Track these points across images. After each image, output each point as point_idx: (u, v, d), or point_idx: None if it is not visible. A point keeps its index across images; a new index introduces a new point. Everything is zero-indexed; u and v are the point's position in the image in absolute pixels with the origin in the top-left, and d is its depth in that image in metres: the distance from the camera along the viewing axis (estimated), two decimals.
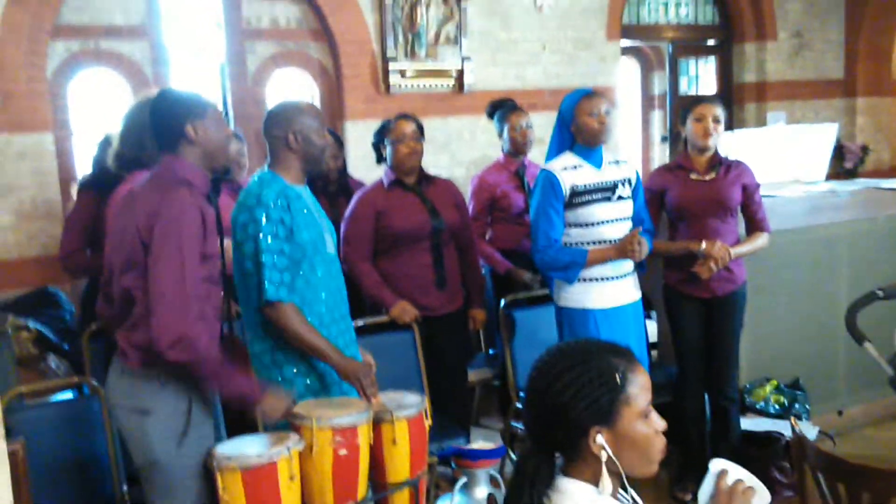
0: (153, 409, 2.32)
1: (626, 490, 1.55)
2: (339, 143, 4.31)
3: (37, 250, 4.86)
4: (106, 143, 3.80)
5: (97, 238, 3.71)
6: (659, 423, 1.51)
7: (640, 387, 1.49)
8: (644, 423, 1.49)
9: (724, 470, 1.50)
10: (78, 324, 4.13)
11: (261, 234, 2.52)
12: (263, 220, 2.53)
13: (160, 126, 2.42)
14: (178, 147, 2.40)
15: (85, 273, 3.95)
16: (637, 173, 3.44)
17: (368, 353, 2.91)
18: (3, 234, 4.81)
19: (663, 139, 8.93)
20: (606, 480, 1.47)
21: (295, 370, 2.64)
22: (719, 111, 3.52)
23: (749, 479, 1.50)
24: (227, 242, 3.31)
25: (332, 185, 4.21)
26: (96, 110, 5.30)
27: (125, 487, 2.90)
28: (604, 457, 1.46)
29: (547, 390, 1.49)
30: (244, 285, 2.62)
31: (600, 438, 1.46)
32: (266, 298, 2.52)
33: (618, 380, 1.47)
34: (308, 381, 2.66)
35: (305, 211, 2.65)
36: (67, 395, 3.65)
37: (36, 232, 4.84)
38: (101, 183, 3.51)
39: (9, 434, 2.70)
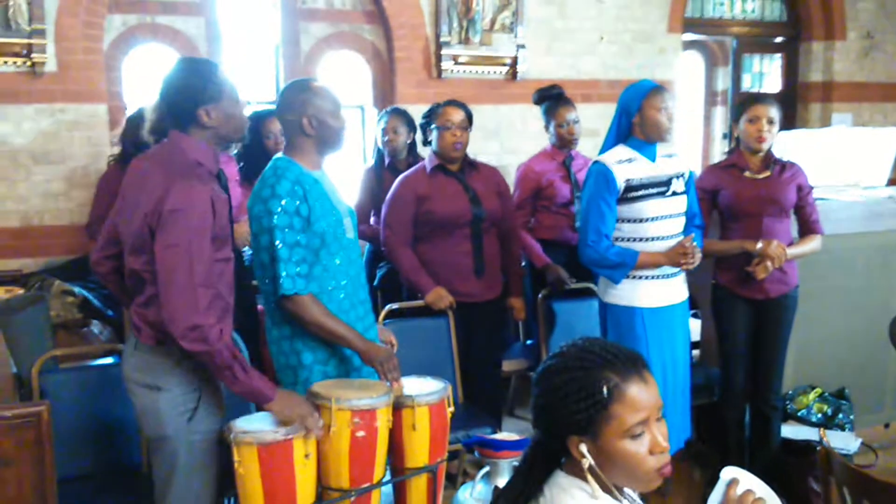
0: (165, 386, 2.28)
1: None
2: (410, 122, 4.28)
3: (87, 218, 4.95)
4: (138, 117, 3.88)
5: None
6: (659, 443, 1.41)
7: (629, 405, 1.38)
8: (631, 441, 1.39)
9: (734, 479, 1.43)
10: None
11: (276, 228, 2.43)
12: (278, 212, 2.44)
13: (173, 103, 2.29)
14: (189, 127, 2.28)
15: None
16: (690, 170, 3.36)
17: (389, 330, 2.88)
18: (55, 201, 4.93)
19: (725, 136, 8.74)
20: (594, 485, 1.41)
21: (313, 357, 2.58)
22: (774, 112, 3.40)
23: (761, 489, 1.44)
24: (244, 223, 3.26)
25: (400, 164, 4.21)
26: (150, 85, 5.36)
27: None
28: (585, 465, 1.40)
29: (541, 387, 1.45)
30: (261, 274, 2.56)
31: (582, 447, 1.40)
32: (282, 292, 2.45)
33: (602, 394, 1.38)
34: (326, 370, 2.60)
35: (323, 198, 2.55)
36: (109, 360, 3.68)
37: (86, 200, 4.89)
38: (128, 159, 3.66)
39: (40, 396, 2.78)
